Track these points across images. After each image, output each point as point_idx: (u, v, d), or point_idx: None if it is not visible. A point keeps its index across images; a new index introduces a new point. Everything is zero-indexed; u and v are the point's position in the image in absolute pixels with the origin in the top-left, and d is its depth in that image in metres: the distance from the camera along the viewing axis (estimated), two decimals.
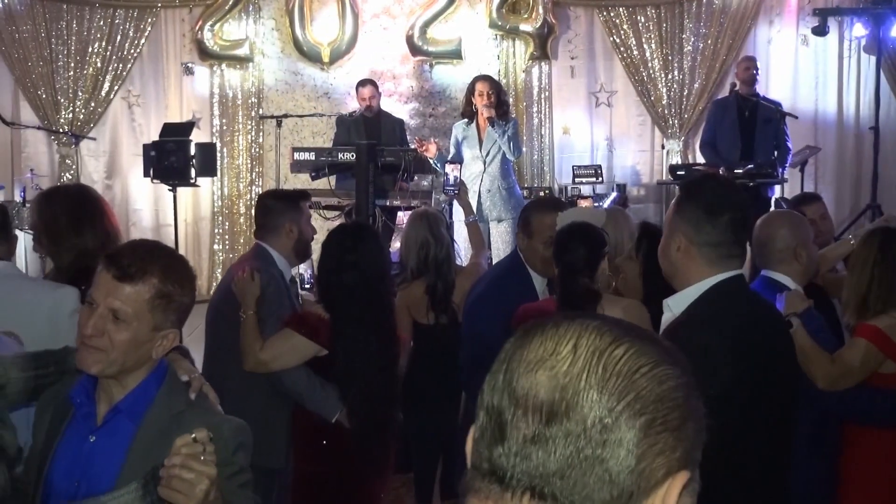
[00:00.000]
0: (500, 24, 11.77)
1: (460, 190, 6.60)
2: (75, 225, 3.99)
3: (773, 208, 8.93)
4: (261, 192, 11.53)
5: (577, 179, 11.22)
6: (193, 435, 2.11)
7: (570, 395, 1.11)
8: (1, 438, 2.53)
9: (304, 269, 5.70)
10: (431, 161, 8.43)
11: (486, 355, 1.29)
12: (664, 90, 11.95)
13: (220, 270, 11.64)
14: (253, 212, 5.21)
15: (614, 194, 10.86)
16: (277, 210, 4.84)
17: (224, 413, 2.61)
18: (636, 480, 1.10)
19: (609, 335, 1.15)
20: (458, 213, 8.04)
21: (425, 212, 5.68)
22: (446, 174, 7.00)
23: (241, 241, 11.69)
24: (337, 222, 9.39)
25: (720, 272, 2.92)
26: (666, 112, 11.97)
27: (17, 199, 10.08)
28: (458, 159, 8.49)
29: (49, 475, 2.48)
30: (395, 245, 8.74)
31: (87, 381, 2.50)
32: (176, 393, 2.49)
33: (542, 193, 10.94)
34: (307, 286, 5.72)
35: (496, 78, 10.34)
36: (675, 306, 3.00)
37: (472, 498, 1.15)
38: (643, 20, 11.92)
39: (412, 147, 9.05)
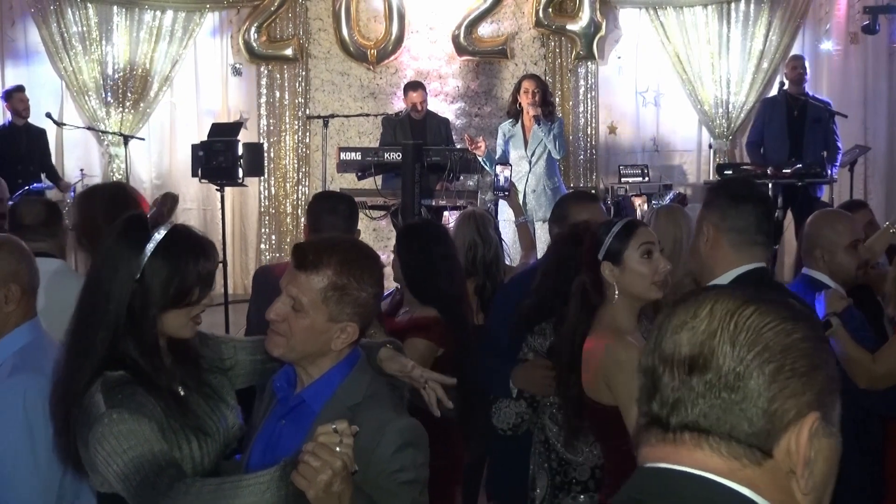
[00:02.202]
0: (546, 23, 11.74)
1: (511, 191, 6.59)
2: (111, 223, 4.03)
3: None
4: (307, 192, 11.63)
5: (623, 179, 11.17)
6: (334, 425, 2.14)
7: (707, 349, 1.31)
8: (224, 418, 2.69)
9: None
10: (481, 159, 8.46)
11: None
12: (712, 90, 11.86)
13: (271, 263, 11.70)
14: (306, 209, 5.18)
15: (672, 192, 10.78)
16: (347, 217, 4.81)
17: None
18: (770, 420, 1.29)
19: (740, 298, 1.34)
20: (504, 213, 8.05)
21: (473, 213, 5.67)
22: (497, 175, 6.98)
23: (287, 240, 11.74)
24: (383, 222, 9.45)
25: (745, 262, 3.03)
26: (713, 112, 11.89)
27: (68, 199, 10.21)
28: (506, 160, 8.49)
29: (249, 456, 2.61)
30: None
31: (290, 367, 2.59)
32: (356, 385, 2.51)
33: None
34: None
35: (543, 78, 10.32)
36: None
37: (643, 448, 1.37)
38: (691, 19, 11.85)
39: (458, 147, 9.06)
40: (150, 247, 2.53)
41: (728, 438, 1.29)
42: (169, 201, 5.40)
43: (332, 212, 4.80)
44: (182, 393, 2.61)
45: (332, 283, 2.44)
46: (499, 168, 7.00)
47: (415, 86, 10.15)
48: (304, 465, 2.12)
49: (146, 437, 2.40)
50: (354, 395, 2.49)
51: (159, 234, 2.55)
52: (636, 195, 10.42)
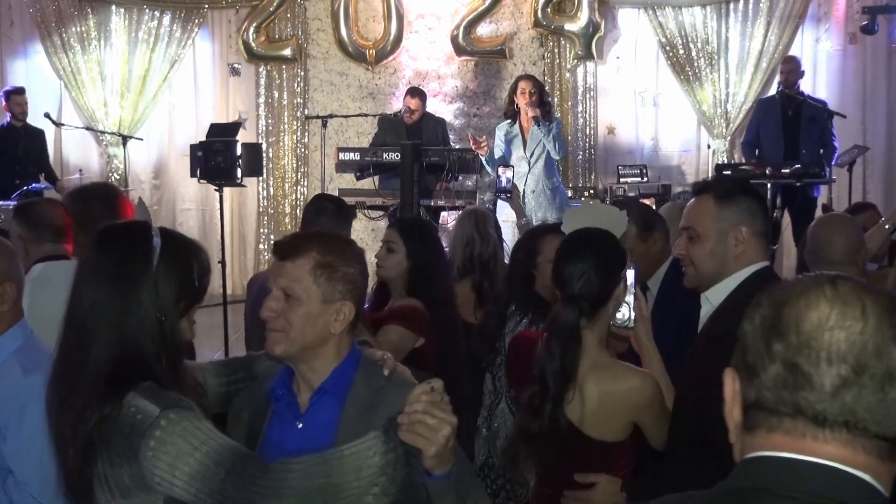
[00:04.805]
0: (545, 23, 11.74)
1: (513, 193, 6.60)
2: (112, 220, 4.02)
3: (819, 211, 8.88)
4: (306, 192, 11.64)
5: (621, 179, 11.17)
6: (431, 385, 2.19)
7: (871, 348, 1.36)
8: None
9: None
10: (483, 159, 8.46)
11: None
12: (710, 89, 11.86)
13: (265, 270, 11.70)
14: (301, 211, 5.22)
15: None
16: (336, 217, 4.82)
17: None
18: None
19: (884, 297, 1.41)
20: (503, 213, 8.04)
21: (474, 210, 5.68)
22: (499, 177, 6.99)
23: None
24: (382, 223, 9.44)
25: (758, 260, 3.03)
26: (712, 112, 11.89)
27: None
28: (506, 160, 8.49)
29: None
30: None
31: (285, 374, 2.58)
32: (373, 371, 2.55)
33: (586, 193, 10.92)
34: None
35: (541, 78, 10.32)
36: (713, 298, 3.05)
37: (778, 436, 1.40)
38: (689, 19, 11.84)
39: (455, 147, 9.05)
40: (157, 254, 2.42)
41: (880, 439, 1.36)
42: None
43: (320, 212, 4.86)
44: None
45: (318, 263, 2.48)
46: (500, 170, 7.01)
47: (413, 92, 10.07)
48: (420, 425, 2.15)
49: (214, 432, 2.28)
50: (376, 379, 2.52)
51: (158, 240, 2.44)
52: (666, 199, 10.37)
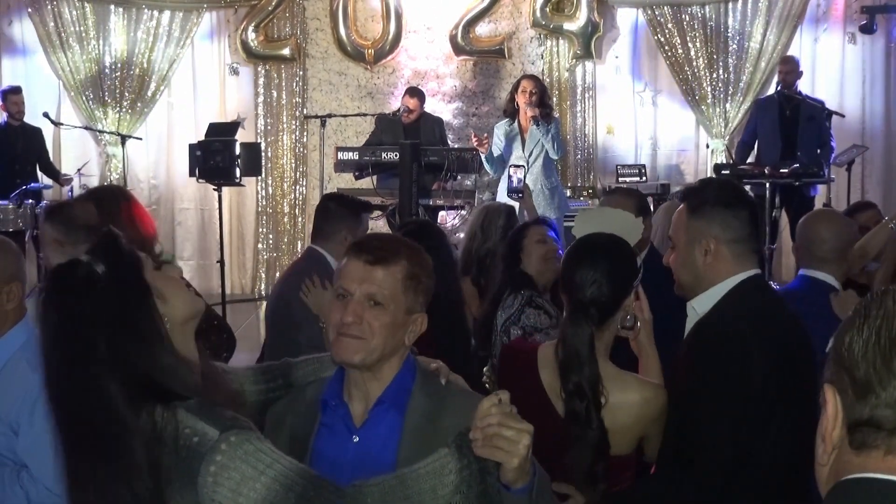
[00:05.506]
0: (543, 23, 11.74)
1: (525, 192, 6.60)
2: (130, 223, 4.03)
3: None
4: (305, 191, 11.64)
5: (620, 179, 11.18)
6: (499, 396, 2.09)
7: None
8: None
9: None
10: (482, 157, 8.47)
11: None
12: (709, 89, 11.86)
13: (263, 269, 11.72)
14: (310, 212, 5.21)
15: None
16: (338, 216, 4.83)
17: None
18: None
19: None
20: None
21: (487, 206, 5.68)
22: (510, 176, 6.99)
23: (285, 240, 11.75)
24: (380, 222, 9.45)
25: (743, 270, 3.00)
26: (710, 111, 11.89)
27: (67, 195, 10.20)
28: (504, 159, 8.49)
29: None
30: None
31: (336, 382, 2.50)
32: (430, 380, 2.50)
33: (585, 193, 10.93)
34: None
35: (541, 77, 10.32)
36: (699, 307, 3.03)
37: (883, 456, 1.29)
38: (688, 18, 11.84)
39: (454, 146, 9.06)
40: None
41: None
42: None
43: (322, 215, 4.86)
44: None
45: (408, 273, 2.43)
46: (512, 169, 7.01)
47: (412, 92, 10.09)
48: (497, 438, 2.04)
49: (278, 454, 2.08)
50: (435, 388, 2.48)
51: (101, 266, 2.07)
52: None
